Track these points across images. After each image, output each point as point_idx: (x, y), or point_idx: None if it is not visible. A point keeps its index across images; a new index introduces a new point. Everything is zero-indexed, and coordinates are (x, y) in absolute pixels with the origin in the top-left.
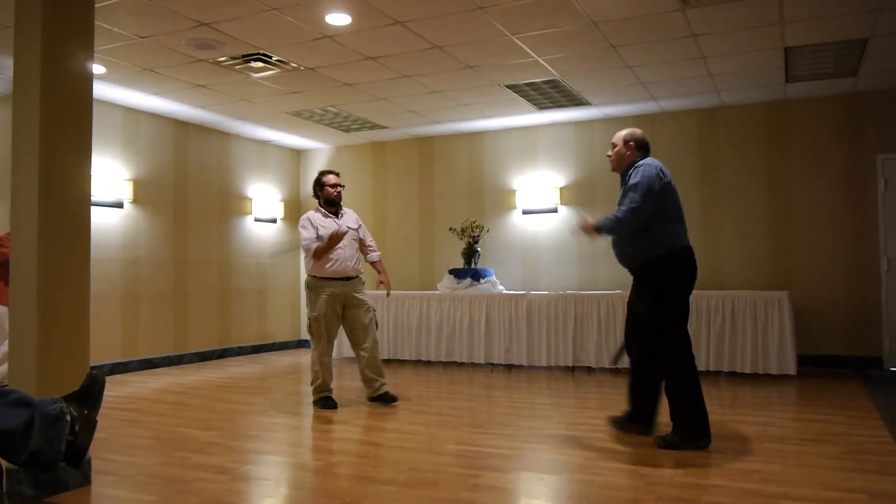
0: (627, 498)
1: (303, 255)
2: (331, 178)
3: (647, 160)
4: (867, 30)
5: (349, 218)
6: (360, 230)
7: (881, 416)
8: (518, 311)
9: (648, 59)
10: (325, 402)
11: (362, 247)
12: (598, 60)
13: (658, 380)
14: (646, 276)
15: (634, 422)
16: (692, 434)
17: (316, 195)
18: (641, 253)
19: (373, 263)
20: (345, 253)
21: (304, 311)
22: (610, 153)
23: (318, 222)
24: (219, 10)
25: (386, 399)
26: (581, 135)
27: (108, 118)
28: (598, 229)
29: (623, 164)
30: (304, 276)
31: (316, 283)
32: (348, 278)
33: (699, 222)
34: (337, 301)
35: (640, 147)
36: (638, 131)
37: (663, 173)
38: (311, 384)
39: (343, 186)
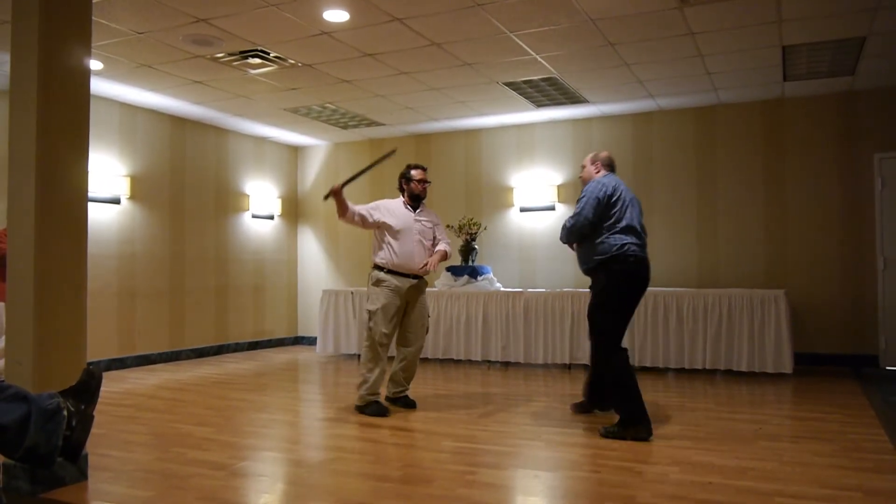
0: (623, 495)
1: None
2: (418, 173)
3: (601, 178)
4: (865, 28)
5: (427, 213)
6: (435, 228)
7: (877, 415)
8: (515, 308)
9: (646, 57)
10: (375, 407)
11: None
12: (596, 58)
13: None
14: (593, 279)
15: (595, 403)
16: (630, 425)
17: (401, 188)
18: (591, 257)
19: (435, 251)
20: (415, 249)
21: (302, 308)
22: (581, 175)
23: (389, 209)
24: (216, 6)
25: (407, 403)
26: (579, 133)
27: (105, 114)
28: (561, 239)
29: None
30: (301, 274)
31: (380, 276)
32: (416, 276)
33: (695, 220)
34: (401, 297)
35: (606, 166)
36: (602, 153)
37: (607, 187)
38: (359, 387)
39: (429, 182)
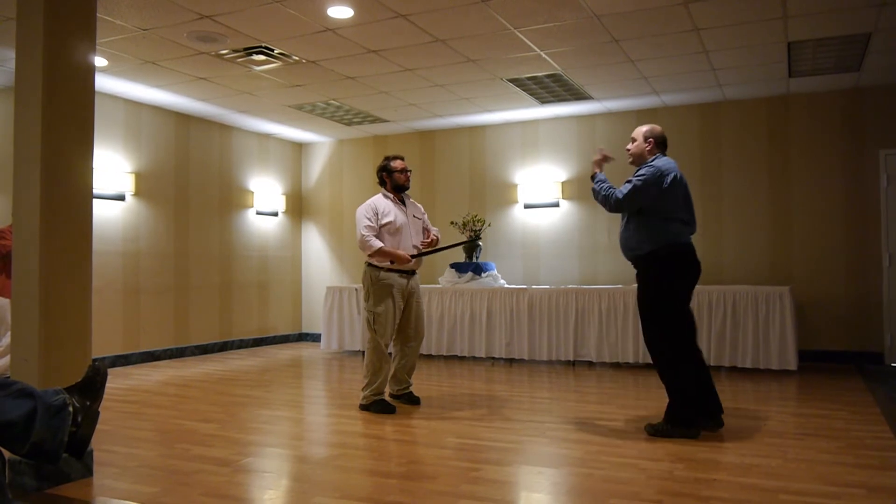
0: (627, 492)
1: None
2: (399, 164)
3: (659, 162)
4: (870, 24)
5: (414, 207)
6: (424, 219)
7: (881, 412)
8: (519, 305)
9: (651, 53)
10: (381, 405)
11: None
12: (601, 54)
13: (703, 371)
14: (641, 267)
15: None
16: (679, 423)
17: (382, 181)
18: (639, 245)
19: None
20: (410, 244)
21: (306, 305)
22: (629, 147)
23: (383, 209)
24: (220, 3)
25: (411, 399)
26: (583, 129)
27: (109, 111)
28: (592, 177)
29: (642, 159)
30: (306, 271)
31: (379, 275)
32: (412, 272)
33: (700, 217)
34: (401, 295)
35: (659, 144)
36: (657, 128)
37: (666, 176)
38: (365, 388)
39: (410, 171)
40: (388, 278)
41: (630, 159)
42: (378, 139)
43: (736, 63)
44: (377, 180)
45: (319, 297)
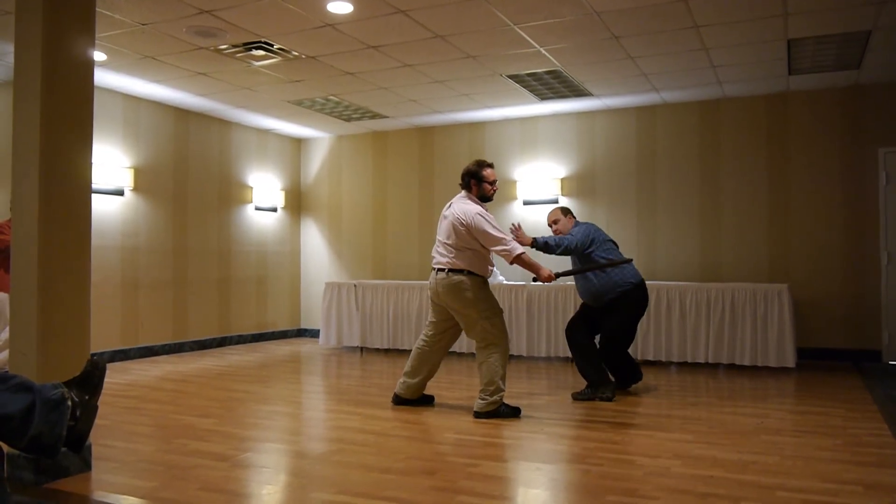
0: (624, 488)
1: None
2: (491, 173)
3: (583, 224)
4: (870, 22)
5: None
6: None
7: (879, 409)
8: (518, 301)
9: (651, 50)
10: (508, 408)
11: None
12: (601, 51)
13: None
14: (617, 303)
15: (621, 386)
16: (598, 386)
17: (467, 186)
18: (613, 287)
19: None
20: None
21: (305, 300)
22: (555, 228)
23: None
24: None
25: (426, 400)
26: (582, 126)
27: (108, 106)
28: (536, 246)
29: (567, 230)
30: (304, 266)
31: (482, 283)
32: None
33: (698, 214)
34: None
35: (573, 215)
36: (564, 206)
37: (601, 230)
38: (492, 395)
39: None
40: (485, 285)
41: (560, 234)
42: (377, 135)
43: (736, 60)
44: (460, 182)
45: (318, 293)
